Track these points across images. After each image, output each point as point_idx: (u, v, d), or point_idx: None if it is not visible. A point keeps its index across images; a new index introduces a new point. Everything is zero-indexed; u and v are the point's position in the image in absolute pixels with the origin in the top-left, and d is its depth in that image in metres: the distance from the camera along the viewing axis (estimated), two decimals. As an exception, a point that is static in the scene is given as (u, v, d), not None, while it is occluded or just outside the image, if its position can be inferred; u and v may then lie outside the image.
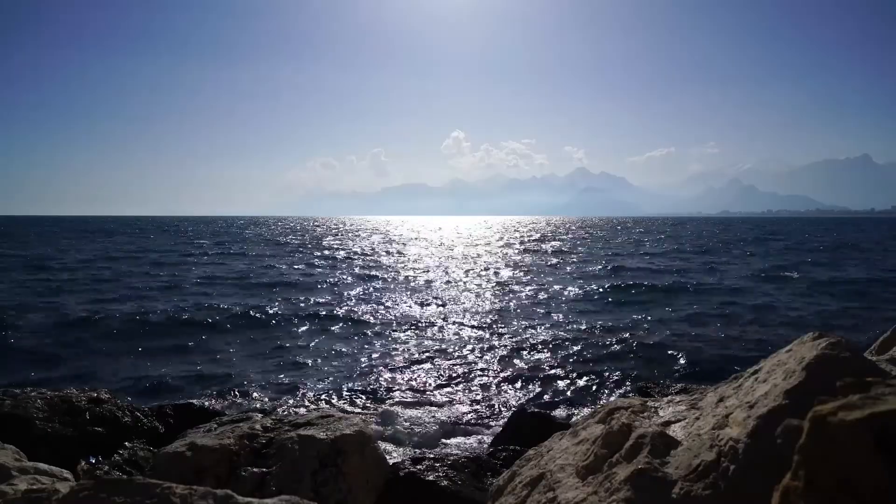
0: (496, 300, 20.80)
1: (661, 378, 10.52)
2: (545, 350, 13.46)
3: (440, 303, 20.22)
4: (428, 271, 31.47)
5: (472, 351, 13.33)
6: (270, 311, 18.08)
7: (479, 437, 8.40)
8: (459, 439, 8.40)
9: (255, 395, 10.35)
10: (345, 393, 10.45)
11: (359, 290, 23.66)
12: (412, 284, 25.54)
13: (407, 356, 12.96)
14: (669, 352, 13.23)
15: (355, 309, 18.96)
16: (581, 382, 11.07)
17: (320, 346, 13.90)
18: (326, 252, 46.36)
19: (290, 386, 10.88)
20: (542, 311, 18.67)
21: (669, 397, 3.10)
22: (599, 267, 33.42)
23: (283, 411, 8.96)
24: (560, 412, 9.15)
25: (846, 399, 1.05)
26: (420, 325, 16.33)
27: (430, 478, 4.58)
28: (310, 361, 12.65)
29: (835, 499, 1.00)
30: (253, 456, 4.35)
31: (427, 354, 13.08)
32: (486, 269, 32.65)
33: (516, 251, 48.01)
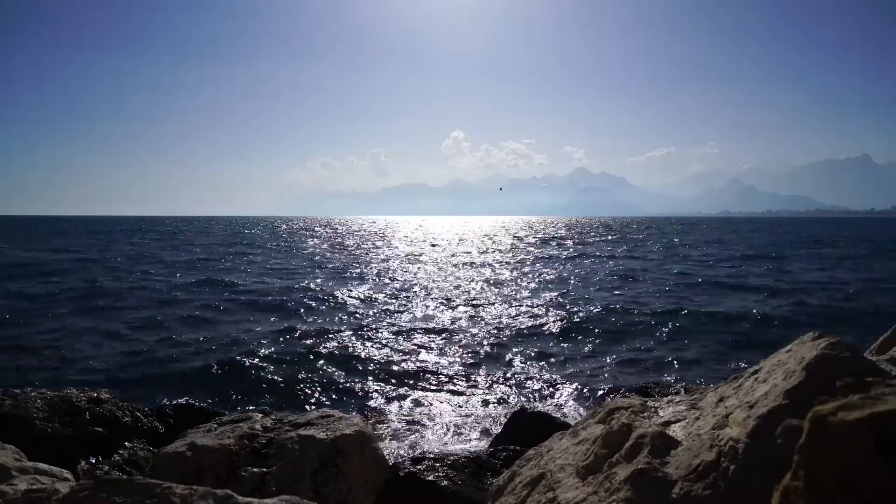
0: (497, 301, 20.80)
1: (661, 378, 10.53)
2: (545, 350, 13.45)
3: (440, 303, 20.21)
4: (428, 272, 31.47)
5: (472, 351, 13.32)
6: (271, 313, 18.09)
7: (479, 437, 8.40)
8: (459, 439, 8.40)
9: (255, 395, 10.35)
10: (345, 393, 10.45)
11: (358, 290, 23.66)
12: (411, 284, 25.53)
13: (406, 356, 12.95)
14: (669, 351, 13.23)
15: (355, 309, 18.96)
16: (581, 382, 11.07)
17: (321, 346, 13.89)
18: (315, 254, 46.37)
19: (290, 386, 10.88)
20: (542, 310, 18.66)
21: (669, 397, 3.10)
22: (598, 267, 33.43)
23: (283, 411, 8.96)
24: (560, 412, 9.15)
25: (846, 399, 1.05)
26: (419, 325, 16.33)
27: (430, 478, 4.58)
28: (310, 361, 12.64)
29: (835, 499, 1.00)
30: (253, 456, 4.35)
31: (427, 354, 13.08)
32: (488, 269, 32.65)
33: (516, 251, 48.00)
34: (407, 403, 9.86)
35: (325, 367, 12.24)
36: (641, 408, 2.90)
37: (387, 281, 26.79)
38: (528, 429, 6.27)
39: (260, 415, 5.15)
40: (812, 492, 1.03)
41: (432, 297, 21.71)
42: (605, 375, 11.44)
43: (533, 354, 13.07)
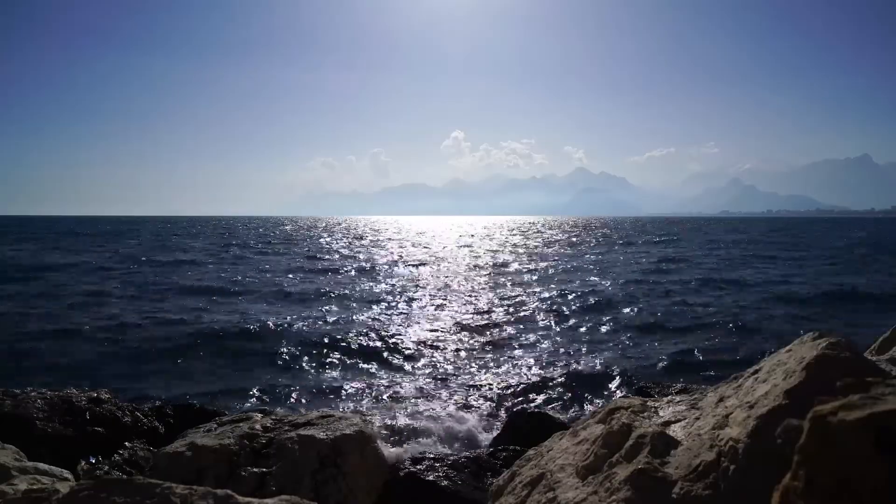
0: (496, 301, 20.79)
1: (661, 378, 10.52)
2: (545, 350, 13.45)
3: (439, 304, 20.21)
4: (426, 272, 31.47)
5: (472, 352, 13.32)
6: (272, 313, 18.09)
7: (479, 437, 8.40)
8: (459, 439, 8.39)
9: (255, 395, 10.34)
10: (345, 393, 10.44)
11: (358, 291, 23.65)
12: (410, 284, 25.53)
13: (406, 357, 12.96)
14: (670, 352, 13.22)
15: (357, 310, 18.96)
16: (581, 382, 11.05)
17: (321, 347, 13.89)
18: (319, 254, 46.39)
19: (290, 386, 10.87)
20: (541, 311, 18.66)
21: (669, 397, 3.10)
22: (595, 267, 33.44)
23: (283, 411, 8.94)
24: (560, 412, 9.15)
25: (846, 399, 1.05)
26: (419, 326, 16.33)
27: (430, 478, 4.59)
28: (310, 362, 12.64)
29: (835, 499, 1.00)
30: (253, 456, 4.35)
31: (427, 355, 13.07)
32: (488, 269, 32.64)
33: (515, 252, 48.00)
34: (407, 403, 9.85)
35: (325, 367, 12.24)
36: (641, 408, 2.90)
37: (388, 281, 26.78)
38: (527, 429, 6.28)
39: (260, 415, 5.14)
40: (812, 492, 1.03)
41: (433, 298, 21.71)
42: (605, 375, 11.43)
43: (532, 355, 13.07)
